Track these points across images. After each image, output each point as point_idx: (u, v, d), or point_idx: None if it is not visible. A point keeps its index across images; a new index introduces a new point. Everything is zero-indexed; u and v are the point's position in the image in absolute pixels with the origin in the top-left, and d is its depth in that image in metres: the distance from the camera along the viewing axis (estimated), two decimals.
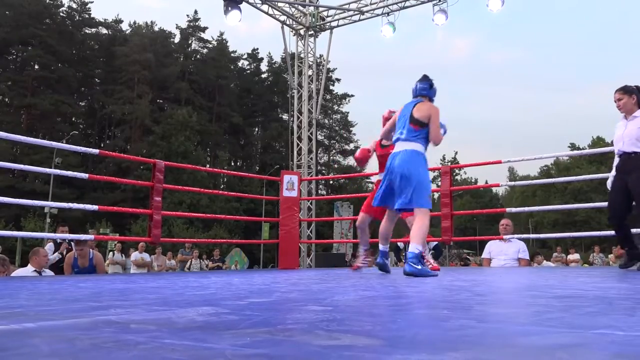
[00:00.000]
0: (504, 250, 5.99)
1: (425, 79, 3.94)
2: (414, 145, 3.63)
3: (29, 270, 5.32)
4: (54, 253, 6.64)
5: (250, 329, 0.93)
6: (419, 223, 3.51)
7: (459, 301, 1.60)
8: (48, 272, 5.50)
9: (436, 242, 7.36)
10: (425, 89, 3.88)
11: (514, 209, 6.67)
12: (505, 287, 2.49)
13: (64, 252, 7.02)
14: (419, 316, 1.15)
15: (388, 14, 10.65)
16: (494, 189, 66.19)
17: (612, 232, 6.37)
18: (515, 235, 6.27)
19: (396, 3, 10.57)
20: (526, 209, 5.71)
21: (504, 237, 5.96)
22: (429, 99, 3.86)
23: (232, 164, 49.40)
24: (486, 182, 54.04)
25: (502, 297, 1.83)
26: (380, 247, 3.98)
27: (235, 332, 0.90)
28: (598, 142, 50.76)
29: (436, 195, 8.01)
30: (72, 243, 7.20)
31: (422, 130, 3.65)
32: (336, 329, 0.92)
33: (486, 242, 6.57)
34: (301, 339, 0.81)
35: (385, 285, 2.47)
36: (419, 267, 3.27)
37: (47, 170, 5.63)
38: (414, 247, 3.37)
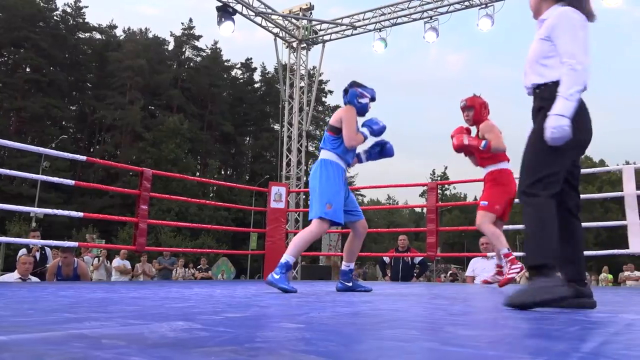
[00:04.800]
0: (487, 268, 6.05)
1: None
2: (325, 154, 3.48)
3: (14, 276, 5.29)
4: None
5: (218, 347, 0.95)
6: (301, 233, 3.39)
7: (431, 321, 1.63)
8: (34, 279, 5.47)
9: (422, 257, 7.41)
10: (344, 97, 3.63)
11: None
12: (483, 306, 2.53)
13: (37, 257, 6.99)
14: (387, 337, 1.18)
15: (380, 29, 10.77)
16: None
17: (599, 252, 6.45)
18: None
19: (388, 20, 10.71)
20: (510, 226, 5.77)
21: (487, 254, 6.02)
22: (354, 107, 3.56)
23: (222, 172, 49.32)
24: (475, 198, 54.42)
25: (475, 317, 1.86)
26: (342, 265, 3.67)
27: (202, 351, 0.92)
28: (585, 161, 51.28)
29: (423, 210, 8.09)
30: (47, 249, 7.18)
31: (339, 136, 3.45)
32: (302, 349, 0.95)
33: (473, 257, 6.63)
34: None
35: (364, 302, 2.50)
36: (277, 276, 3.18)
37: (34, 176, 5.59)
38: (283, 257, 3.27)
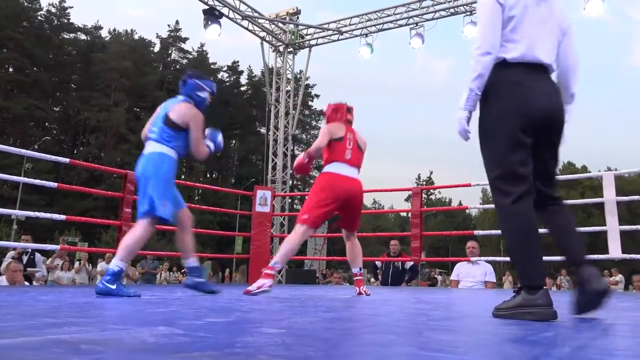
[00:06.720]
0: (472, 273, 6.10)
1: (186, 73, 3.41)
2: (162, 148, 3.17)
3: (1, 281, 5.24)
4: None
5: (197, 352, 0.96)
6: (128, 234, 3.09)
7: (411, 326, 1.65)
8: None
9: (412, 263, 7.42)
10: (182, 88, 3.35)
11: (481, 232, 6.80)
12: (464, 311, 2.55)
13: (24, 260, 6.92)
14: (365, 341, 1.19)
15: (366, 35, 10.84)
16: (467, 210, 67.26)
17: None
18: (483, 258, 6.40)
19: (374, 25, 10.78)
20: (493, 232, 5.86)
21: (472, 259, 6.07)
22: (192, 100, 3.32)
23: (208, 175, 49.05)
24: (460, 203, 54.97)
25: (454, 322, 1.88)
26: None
27: (181, 356, 0.92)
28: (568, 167, 51.96)
29: (408, 215, 8.12)
30: (37, 254, 7.10)
31: (180, 133, 3.21)
32: (280, 354, 0.96)
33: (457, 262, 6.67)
34: None
35: (348, 307, 2.51)
36: (113, 286, 2.85)
37: (15, 178, 5.54)
38: (113, 264, 2.95)
